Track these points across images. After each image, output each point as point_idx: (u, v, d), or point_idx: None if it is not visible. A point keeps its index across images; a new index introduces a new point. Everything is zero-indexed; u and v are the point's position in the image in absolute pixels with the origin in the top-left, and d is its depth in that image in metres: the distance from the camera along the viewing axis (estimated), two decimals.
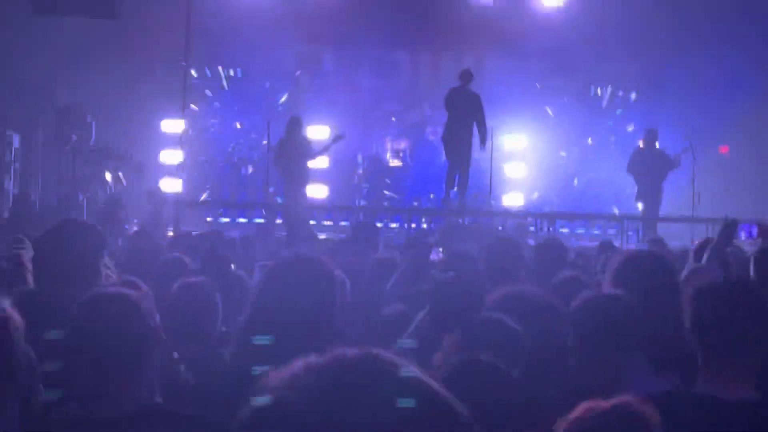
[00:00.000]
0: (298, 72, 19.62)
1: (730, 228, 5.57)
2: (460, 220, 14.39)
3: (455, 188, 14.55)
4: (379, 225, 16.83)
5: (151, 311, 2.75)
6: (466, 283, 3.83)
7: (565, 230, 16.75)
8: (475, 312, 3.34)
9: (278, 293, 3.07)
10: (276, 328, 2.95)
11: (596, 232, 18.27)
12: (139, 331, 2.64)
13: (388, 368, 1.08)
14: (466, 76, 14.49)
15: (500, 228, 14.88)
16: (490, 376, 2.53)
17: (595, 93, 20.74)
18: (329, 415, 1.02)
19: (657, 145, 15.47)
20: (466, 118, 14.13)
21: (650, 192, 14.82)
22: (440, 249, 5.14)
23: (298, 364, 1.08)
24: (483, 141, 14.36)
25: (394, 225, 16.85)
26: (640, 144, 15.81)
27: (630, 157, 15.29)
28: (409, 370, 1.09)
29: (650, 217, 14.82)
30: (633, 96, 20.38)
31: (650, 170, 14.77)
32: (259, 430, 1.05)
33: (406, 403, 1.04)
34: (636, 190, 15.17)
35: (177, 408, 2.74)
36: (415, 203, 18.19)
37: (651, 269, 3.81)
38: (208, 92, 19.17)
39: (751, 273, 4.19)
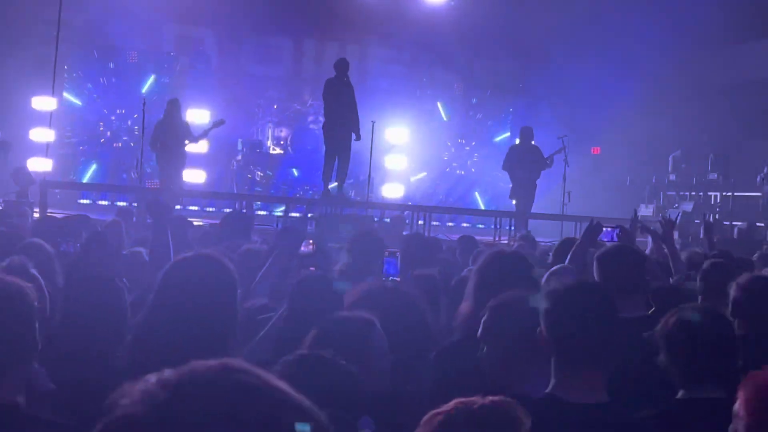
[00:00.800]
0: (178, 57, 19.16)
1: (593, 230, 5.74)
2: (338, 211, 14.32)
3: (334, 180, 14.42)
4: (263, 213, 16.79)
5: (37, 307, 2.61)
6: (325, 279, 3.80)
7: (436, 223, 16.93)
8: (335, 309, 3.31)
9: (177, 294, 2.96)
10: (173, 329, 2.84)
11: (465, 225, 18.64)
12: (22, 326, 2.52)
13: (243, 380, 1.04)
14: (342, 66, 14.31)
15: (376, 220, 14.94)
16: (325, 370, 2.50)
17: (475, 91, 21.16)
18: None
19: (533, 143, 15.80)
20: (344, 108, 13.99)
21: (524, 189, 15.08)
22: (311, 241, 5.07)
23: (151, 378, 1.04)
24: (357, 133, 14.25)
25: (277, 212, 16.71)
26: (516, 141, 16.13)
27: (506, 154, 15.56)
28: (263, 379, 1.05)
29: (521, 214, 15.08)
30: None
31: (524, 167, 15.04)
32: None
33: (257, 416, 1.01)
34: (510, 187, 15.44)
35: (37, 411, 2.60)
36: (302, 193, 18.11)
37: (512, 269, 3.88)
38: (78, 72, 18.51)
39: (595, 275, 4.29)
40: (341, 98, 13.94)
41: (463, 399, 2.07)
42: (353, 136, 14.20)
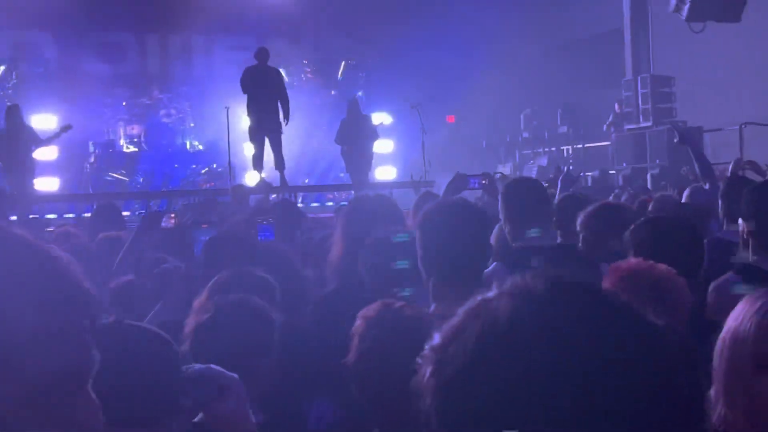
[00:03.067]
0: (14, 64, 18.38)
1: (459, 179, 5.89)
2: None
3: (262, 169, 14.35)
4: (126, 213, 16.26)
5: None
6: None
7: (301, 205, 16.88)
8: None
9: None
10: None
11: (330, 204, 18.61)
12: None
13: None
14: (263, 54, 14.20)
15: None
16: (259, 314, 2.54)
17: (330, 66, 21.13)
18: None
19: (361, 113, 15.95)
20: (268, 95, 13.88)
21: (357, 159, 15.12)
22: (172, 216, 5.04)
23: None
24: (287, 116, 14.15)
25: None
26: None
27: (338, 128, 15.62)
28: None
29: (358, 184, 14.88)
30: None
31: (355, 139, 15.13)
32: None
33: None
34: (346, 161, 15.53)
35: None
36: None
37: (377, 208, 3.93)
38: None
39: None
40: (260, 86, 13.80)
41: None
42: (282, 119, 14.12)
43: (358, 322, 2.13)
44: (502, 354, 0.91)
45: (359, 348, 2.11)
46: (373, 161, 16.06)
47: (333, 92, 21.16)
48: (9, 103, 14.37)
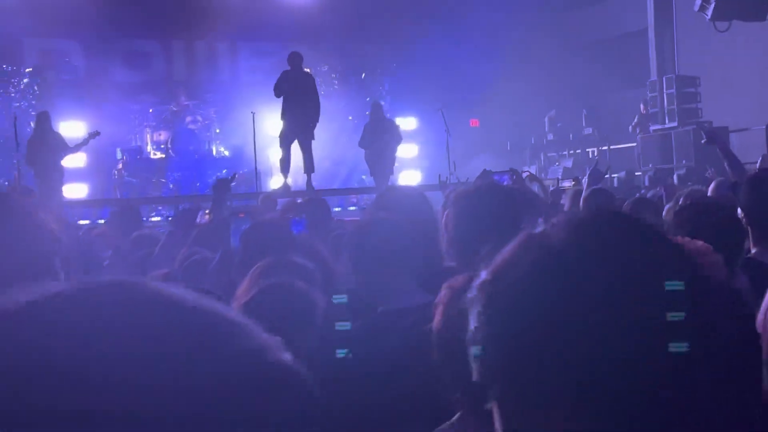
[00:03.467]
0: (44, 72, 18.58)
1: (485, 177, 5.99)
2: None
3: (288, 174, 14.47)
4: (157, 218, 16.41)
5: None
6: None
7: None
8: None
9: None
10: None
11: (352, 209, 18.61)
12: None
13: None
14: (296, 59, 14.30)
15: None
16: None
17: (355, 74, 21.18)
18: None
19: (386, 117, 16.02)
20: (302, 99, 13.98)
21: (381, 162, 15.14)
22: (207, 211, 5.12)
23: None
24: (316, 120, 14.27)
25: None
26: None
27: (362, 132, 15.69)
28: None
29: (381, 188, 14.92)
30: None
31: (378, 142, 15.17)
32: None
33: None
34: (367, 163, 15.57)
35: None
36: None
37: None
38: None
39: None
40: (294, 91, 13.89)
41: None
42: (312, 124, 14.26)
43: (444, 292, 2.14)
44: (560, 279, 0.94)
45: (445, 316, 2.11)
46: (397, 166, 16.12)
47: (357, 97, 21.20)
48: (39, 110, 14.54)
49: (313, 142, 14.46)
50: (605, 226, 1.00)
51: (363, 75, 21.29)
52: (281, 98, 14.16)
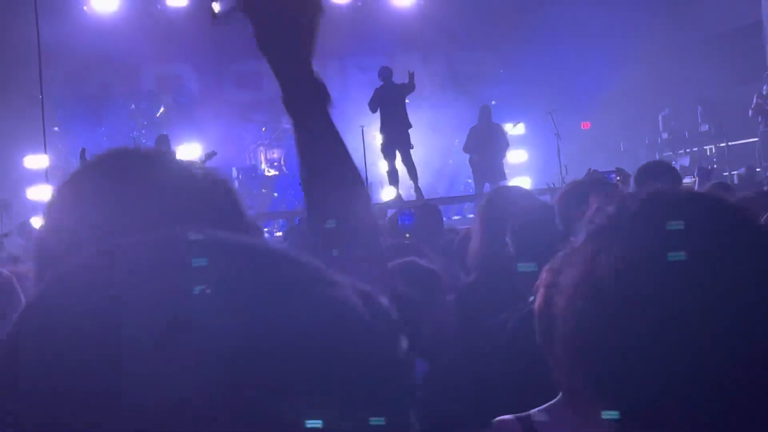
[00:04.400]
0: (161, 96, 19.30)
1: (593, 173, 5.93)
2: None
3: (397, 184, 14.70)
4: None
5: None
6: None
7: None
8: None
9: None
10: None
11: (471, 215, 18.57)
12: None
13: None
14: (386, 73, 14.78)
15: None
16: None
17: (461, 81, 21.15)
18: None
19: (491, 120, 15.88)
20: (394, 111, 14.29)
21: (490, 168, 15.02)
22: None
23: None
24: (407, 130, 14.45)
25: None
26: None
27: (467, 136, 15.61)
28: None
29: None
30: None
31: (486, 147, 15.07)
32: None
33: None
34: (473, 169, 15.49)
35: None
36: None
37: (514, 200, 3.99)
38: (68, 125, 18.64)
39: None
40: (390, 104, 14.37)
41: None
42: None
43: (544, 275, 2.15)
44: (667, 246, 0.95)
45: (545, 296, 2.12)
46: (508, 171, 15.99)
47: (464, 104, 21.16)
48: (158, 134, 15.10)
49: (420, 151, 14.66)
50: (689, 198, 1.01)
51: (469, 82, 21.25)
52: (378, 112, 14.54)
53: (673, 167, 4.51)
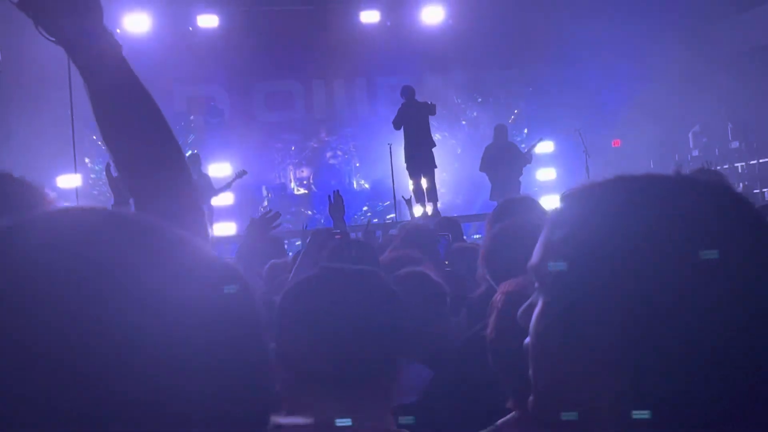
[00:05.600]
0: (192, 117, 19.48)
1: None
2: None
3: (426, 203, 14.69)
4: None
5: None
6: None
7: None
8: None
9: None
10: None
11: (477, 237, 18.44)
12: None
13: None
14: (408, 92, 14.74)
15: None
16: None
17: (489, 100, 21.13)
18: None
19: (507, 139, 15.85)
20: (417, 129, 14.33)
21: (505, 187, 14.98)
22: (337, 232, 5.29)
23: None
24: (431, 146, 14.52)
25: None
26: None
27: (482, 155, 15.56)
28: None
29: None
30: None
31: (502, 165, 15.01)
32: None
33: None
34: (490, 188, 15.41)
35: None
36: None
37: (522, 209, 3.98)
38: (100, 144, 18.83)
39: None
40: (414, 122, 14.30)
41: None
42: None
43: (498, 296, 2.12)
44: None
45: (497, 321, 2.08)
46: (536, 190, 15.93)
47: (492, 122, 21.15)
48: (190, 152, 15.24)
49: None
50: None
51: (496, 100, 21.25)
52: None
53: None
